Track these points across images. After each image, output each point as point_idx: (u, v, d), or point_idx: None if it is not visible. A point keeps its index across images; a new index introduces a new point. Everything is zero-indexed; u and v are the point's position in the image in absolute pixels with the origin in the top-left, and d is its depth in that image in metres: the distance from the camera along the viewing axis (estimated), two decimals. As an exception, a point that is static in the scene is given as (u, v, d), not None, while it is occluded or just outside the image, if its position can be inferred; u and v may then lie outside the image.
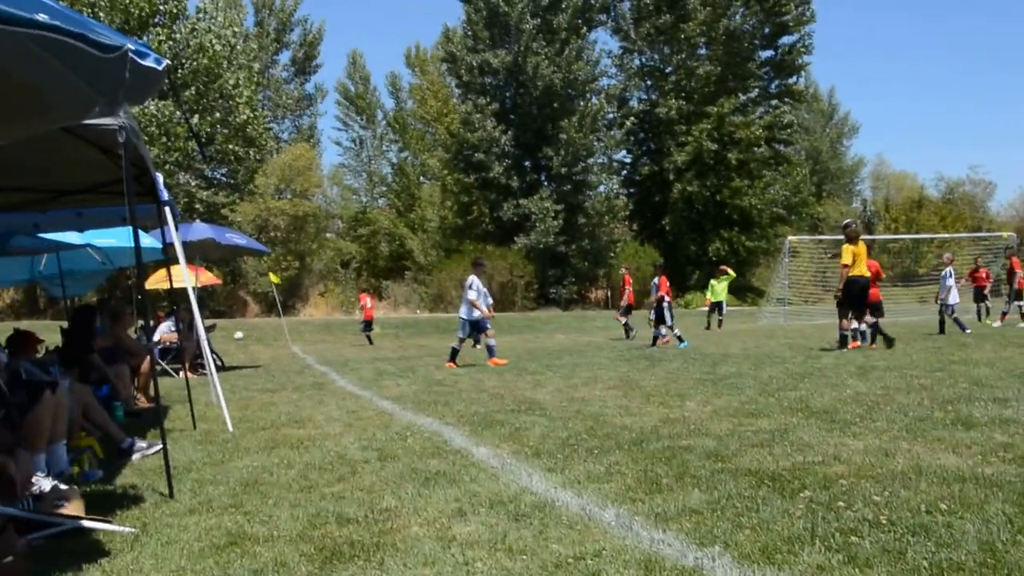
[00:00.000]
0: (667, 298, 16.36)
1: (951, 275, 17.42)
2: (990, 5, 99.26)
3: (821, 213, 57.27)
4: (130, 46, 3.11)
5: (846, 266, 12.88)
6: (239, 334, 23.47)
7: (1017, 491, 3.96)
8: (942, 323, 17.20)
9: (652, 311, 16.96)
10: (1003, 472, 4.37)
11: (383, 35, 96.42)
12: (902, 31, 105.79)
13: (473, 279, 13.50)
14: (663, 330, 16.68)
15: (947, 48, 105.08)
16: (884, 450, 5.09)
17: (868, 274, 13.05)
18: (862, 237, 13.56)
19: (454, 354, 13.46)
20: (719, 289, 24.29)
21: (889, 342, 12.91)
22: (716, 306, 24.23)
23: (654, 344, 16.57)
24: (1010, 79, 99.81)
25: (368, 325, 23.40)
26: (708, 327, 23.77)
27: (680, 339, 15.94)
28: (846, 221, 14.00)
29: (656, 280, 16.59)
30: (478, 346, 14.57)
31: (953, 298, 17.25)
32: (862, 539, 3.40)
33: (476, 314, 13.35)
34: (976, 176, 64.94)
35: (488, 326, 13.51)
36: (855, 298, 13.04)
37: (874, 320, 13.52)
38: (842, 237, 13.63)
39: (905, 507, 3.80)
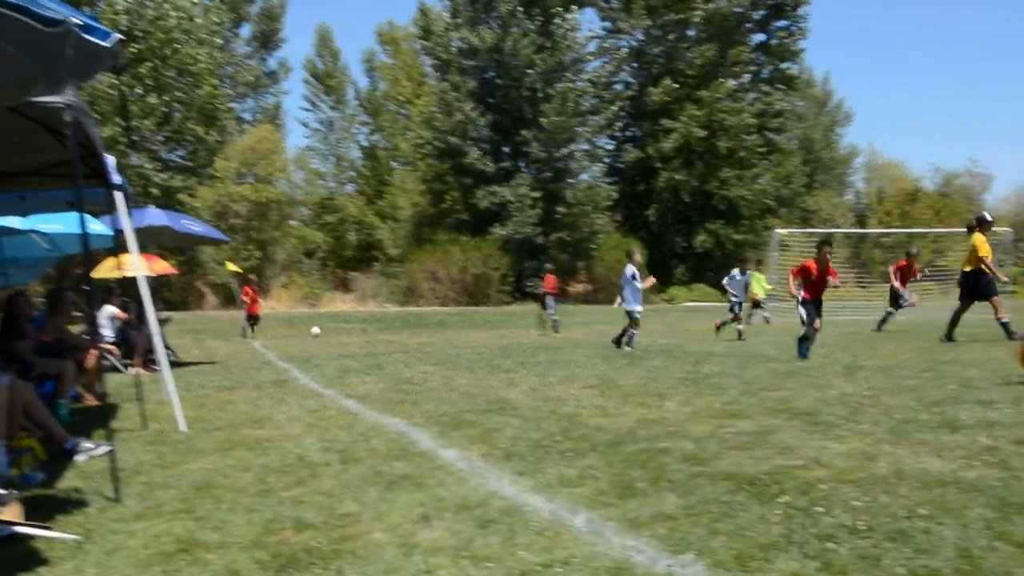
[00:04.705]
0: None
1: None
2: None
3: (812, 205, 57.70)
4: (75, 20, 3.10)
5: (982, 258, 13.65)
6: (316, 329, 23.42)
7: (998, 496, 4.06)
8: None
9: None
10: (985, 476, 4.48)
11: (356, 9, 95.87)
12: (894, 19, 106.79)
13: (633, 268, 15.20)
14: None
15: (938, 38, 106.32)
16: (867, 453, 5.18)
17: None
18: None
19: (625, 338, 14.92)
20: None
21: None
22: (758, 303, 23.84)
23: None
24: (1004, 71, 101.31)
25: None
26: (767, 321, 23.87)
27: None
28: (982, 213, 15.11)
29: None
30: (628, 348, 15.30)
31: None
32: (839, 546, 3.47)
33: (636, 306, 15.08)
34: (976, 169, 65.65)
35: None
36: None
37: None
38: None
39: (884, 512, 3.88)
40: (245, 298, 23.92)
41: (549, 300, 22.34)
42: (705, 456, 5.31)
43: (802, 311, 12.17)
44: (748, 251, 49.19)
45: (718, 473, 4.84)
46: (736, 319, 17.45)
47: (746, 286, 18.08)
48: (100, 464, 5.73)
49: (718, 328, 17.90)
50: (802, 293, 12.19)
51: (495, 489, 4.70)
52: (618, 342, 14.97)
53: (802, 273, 12.24)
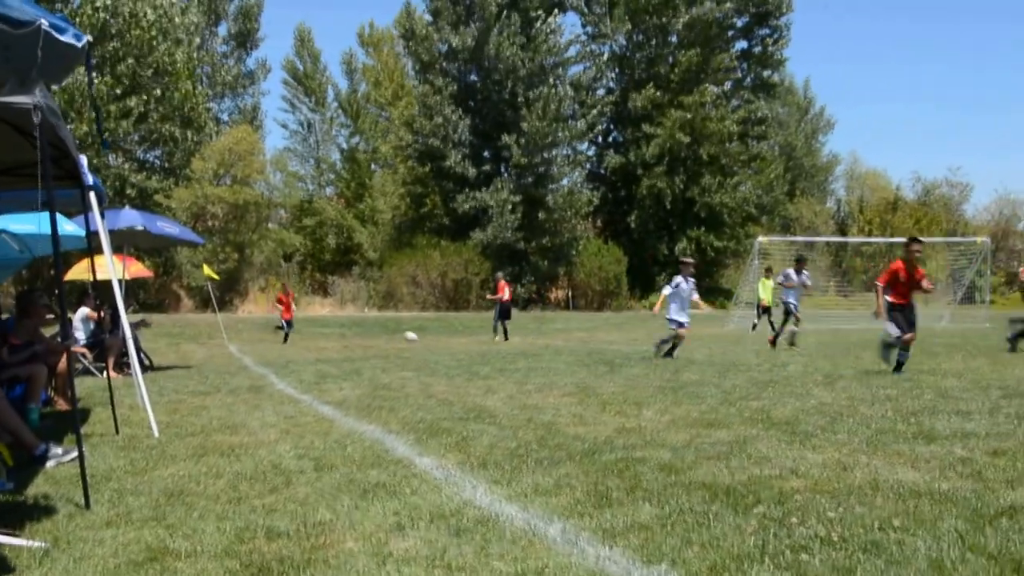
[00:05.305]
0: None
1: None
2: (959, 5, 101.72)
3: (793, 212, 58.05)
4: (44, 21, 3.08)
5: None
6: (411, 334, 23.26)
7: (971, 507, 4.12)
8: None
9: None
10: (959, 488, 4.53)
11: (336, 10, 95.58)
12: (876, 27, 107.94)
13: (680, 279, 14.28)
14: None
15: (921, 47, 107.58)
16: (843, 464, 5.23)
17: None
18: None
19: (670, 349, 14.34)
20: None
21: None
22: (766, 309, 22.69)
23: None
24: (985, 80, 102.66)
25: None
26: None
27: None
28: None
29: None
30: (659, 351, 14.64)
31: None
32: (812, 556, 3.50)
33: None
34: (955, 178, 66.08)
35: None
36: None
37: None
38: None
39: (859, 523, 3.92)
40: (279, 305, 23.99)
41: (504, 308, 22.42)
42: (682, 466, 5.33)
43: (889, 324, 10.99)
44: (729, 259, 49.61)
45: (694, 483, 4.87)
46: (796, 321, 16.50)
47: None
48: (70, 470, 5.67)
49: (791, 343, 16.43)
50: (889, 297, 10.95)
51: (470, 498, 4.70)
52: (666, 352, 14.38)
53: (890, 277, 11.03)
